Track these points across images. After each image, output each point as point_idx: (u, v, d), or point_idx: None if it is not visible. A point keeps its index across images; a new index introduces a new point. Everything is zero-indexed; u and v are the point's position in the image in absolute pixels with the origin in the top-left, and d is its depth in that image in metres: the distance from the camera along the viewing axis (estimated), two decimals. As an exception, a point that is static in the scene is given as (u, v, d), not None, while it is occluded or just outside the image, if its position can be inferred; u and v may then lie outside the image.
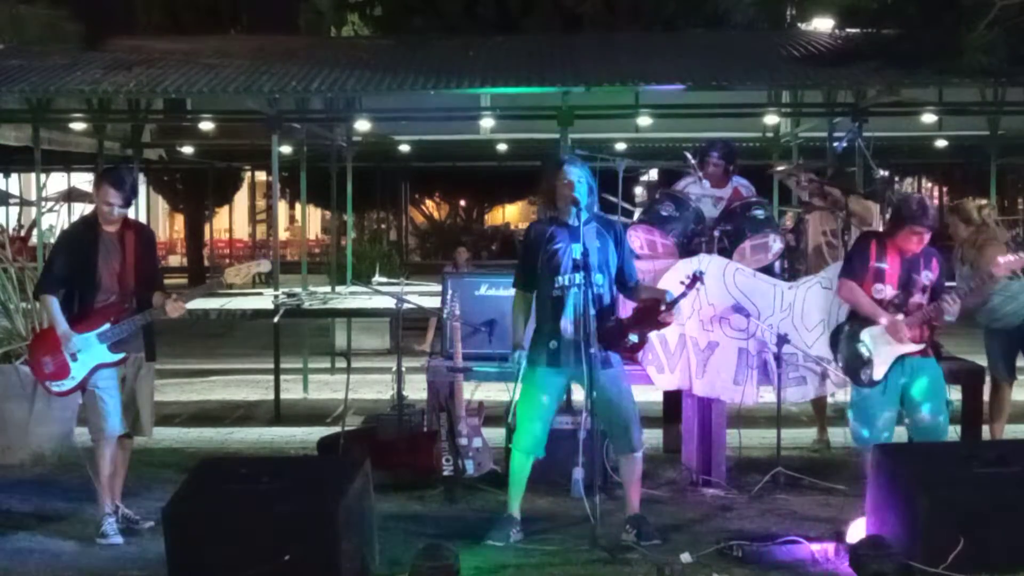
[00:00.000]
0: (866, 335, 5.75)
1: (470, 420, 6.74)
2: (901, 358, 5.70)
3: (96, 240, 5.76)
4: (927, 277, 5.72)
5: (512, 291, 5.84)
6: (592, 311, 5.41)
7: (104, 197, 5.75)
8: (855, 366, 5.80)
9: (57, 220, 12.49)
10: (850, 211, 7.33)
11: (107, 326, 5.68)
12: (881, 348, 5.71)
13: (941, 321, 5.72)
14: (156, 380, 6.14)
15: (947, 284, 6.01)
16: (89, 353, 5.67)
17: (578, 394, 6.14)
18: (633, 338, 5.59)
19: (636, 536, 5.46)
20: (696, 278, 5.75)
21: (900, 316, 5.67)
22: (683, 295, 5.71)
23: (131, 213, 6.04)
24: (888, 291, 5.73)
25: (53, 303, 5.73)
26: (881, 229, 7.40)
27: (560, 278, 5.54)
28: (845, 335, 5.87)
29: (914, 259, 5.72)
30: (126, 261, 5.76)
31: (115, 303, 5.73)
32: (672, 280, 6.31)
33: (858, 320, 5.82)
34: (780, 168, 9.08)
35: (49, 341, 5.75)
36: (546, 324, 5.61)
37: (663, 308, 5.57)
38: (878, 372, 5.72)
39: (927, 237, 5.69)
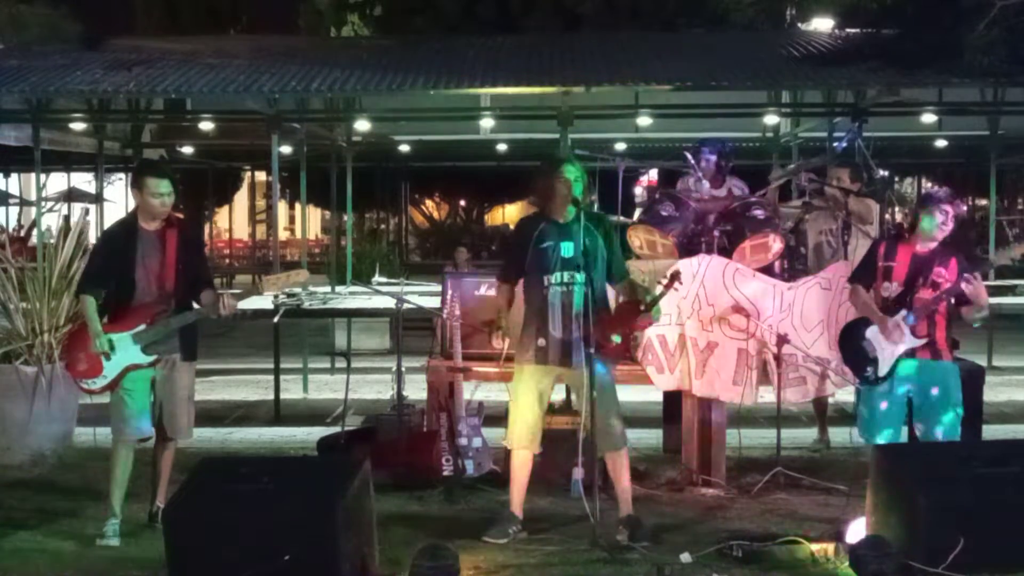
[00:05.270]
0: (871, 332, 5.79)
1: (470, 420, 6.75)
2: (908, 356, 5.70)
3: (134, 240, 5.71)
4: (939, 275, 5.66)
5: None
6: (580, 309, 5.42)
7: (152, 189, 5.71)
8: (859, 363, 5.84)
9: (57, 220, 12.46)
10: (850, 211, 7.33)
11: (142, 327, 5.64)
12: (884, 346, 5.73)
13: (968, 301, 5.62)
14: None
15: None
16: (123, 353, 5.64)
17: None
18: (616, 338, 5.56)
19: (629, 538, 5.46)
20: (674, 278, 5.76)
21: (903, 312, 5.68)
22: (661, 295, 5.69)
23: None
24: (895, 288, 5.75)
25: (88, 303, 5.71)
26: (880, 228, 7.43)
27: (549, 276, 5.55)
28: (852, 332, 5.92)
29: (927, 257, 5.70)
30: (165, 260, 5.69)
31: (152, 303, 5.67)
32: (671, 280, 6.31)
33: (865, 318, 5.86)
34: (781, 171, 9.10)
35: (85, 339, 5.72)
36: (534, 321, 5.61)
37: (642, 308, 5.57)
38: (882, 369, 5.74)
39: (948, 218, 5.62)
